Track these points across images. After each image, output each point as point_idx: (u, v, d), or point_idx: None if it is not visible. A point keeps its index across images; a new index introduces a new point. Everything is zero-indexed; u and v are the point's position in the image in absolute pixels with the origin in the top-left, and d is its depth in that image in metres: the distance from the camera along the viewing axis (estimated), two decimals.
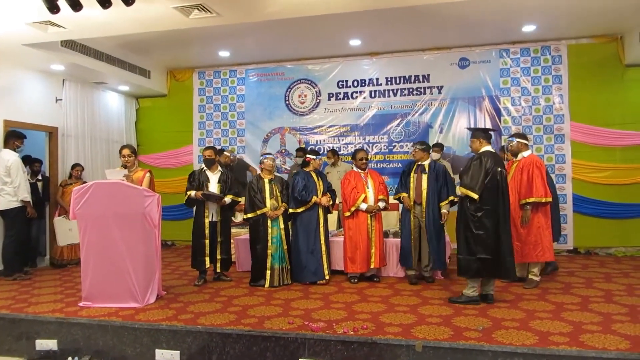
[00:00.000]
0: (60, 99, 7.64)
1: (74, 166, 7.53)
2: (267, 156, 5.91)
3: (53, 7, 4.33)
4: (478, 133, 4.93)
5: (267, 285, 5.62)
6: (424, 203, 5.59)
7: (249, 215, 5.74)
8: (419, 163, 5.74)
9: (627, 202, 7.34)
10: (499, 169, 4.66)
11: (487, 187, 4.60)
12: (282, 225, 5.77)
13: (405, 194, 5.70)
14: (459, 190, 4.75)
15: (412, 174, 5.73)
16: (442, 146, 7.48)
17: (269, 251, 5.67)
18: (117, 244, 4.83)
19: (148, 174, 5.41)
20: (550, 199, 5.31)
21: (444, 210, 5.60)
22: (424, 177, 5.64)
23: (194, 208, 5.99)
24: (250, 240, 5.84)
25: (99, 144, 8.42)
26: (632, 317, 4.16)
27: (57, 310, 4.82)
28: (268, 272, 5.66)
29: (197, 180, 5.85)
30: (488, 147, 4.84)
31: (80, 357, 4.32)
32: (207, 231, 5.80)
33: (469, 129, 5.28)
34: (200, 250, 5.82)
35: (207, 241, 5.80)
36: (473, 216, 4.62)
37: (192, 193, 5.78)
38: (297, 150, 7.99)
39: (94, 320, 4.46)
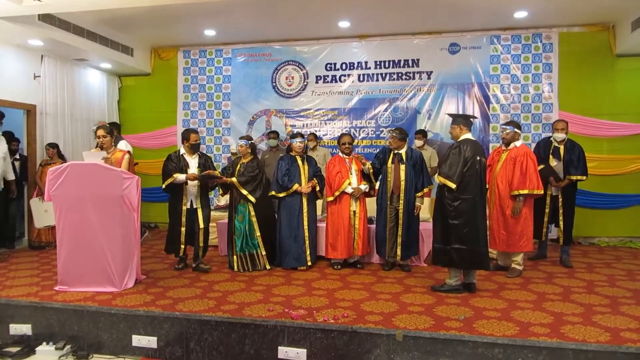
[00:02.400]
0: (39, 76, 7.39)
1: (47, 146, 7.30)
2: (240, 142, 5.77)
3: None
4: (459, 119, 4.81)
5: (235, 268, 5.61)
6: (402, 194, 5.51)
7: (227, 196, 5.84)
8: (396, 152, 5.63)
9: (612, 192, 7.35)
10: (479, 158, 4.59)
11: (465, 176, 4.53)
12: (252, 212, 5.63)
13: (369, 163, 5.68)
14: (437, 179, 4.68)
15: (389, 164, 5.61)
16: (425, 133, 7.34)
17: (234, 237, 5.63)
18: (94, 227, 4.71)
19: (127, 155, 5.26)
20: (541, 191, 5.29)
21: (417, 203, 5.55)
22: (402, 167, 5.54)
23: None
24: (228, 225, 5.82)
25: (80, 123, 8.20)
26: (612, 309, 4.16)
27: (33, 294, 4.70)
28: (235, 257, 5.63)
29: (176, 164, 5.55)
30: (468, 135, 4.75)
31: (55, 342, 4.22)
32: (184, 219, 5.55)
33: (450, 115, 5.17)
34: (176, 238, 5.61)
35: (183, 229, 5.56)
36: (450, 205, 4.56)
37: (182, 176, 5.42)
38: (269, 133, 7.83)
39: (69, 305, 4.36)
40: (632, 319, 3.87)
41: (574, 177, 5.80)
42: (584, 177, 5.85)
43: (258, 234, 5.64)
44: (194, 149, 5.63)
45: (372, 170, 5.68)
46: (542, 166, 5.71)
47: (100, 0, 5.42)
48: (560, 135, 5.89)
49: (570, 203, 5.94)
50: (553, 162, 5.85)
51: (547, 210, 5.88)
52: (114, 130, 6.77)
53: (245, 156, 5.76)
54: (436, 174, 4.80)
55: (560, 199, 5.87)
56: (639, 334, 3.53)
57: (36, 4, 5.37)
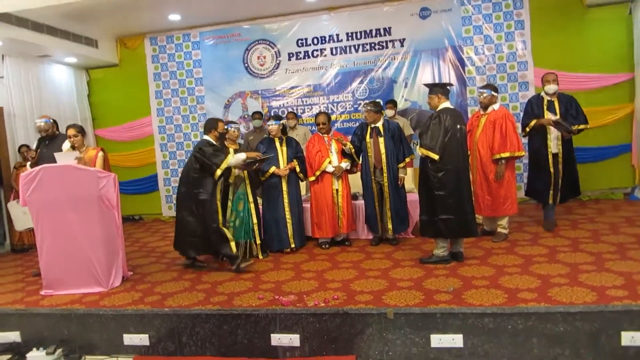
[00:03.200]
0: (2, 77, 7.12)
1: (20, 148, 7.12)
2: (232, 126, 5.56)
3: None
4: (436, 89, 4.75)
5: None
6: (384, 167, 5.48)
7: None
8: (373, 125, 5.57)
9: (591, 145, 7.36)
10: (459, 126, 4.55)
11: (447, 146, 4.50)
12: (250, 199, 5.50)
13: (350, 142, 5.58)
14: (419, 151, 4.64)
15: (367, 138, 5.55)
16: (395, 103, 7.29)
17: (229, 224, 5.45)
18: (73, 229, 4.62)
19: (101, 153, 5.13)
20: (523, 153, 5.28)
21: (400, 175, 5.52)
22: (381, 140, 5.50)
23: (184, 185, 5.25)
24: None
25: None
26: (597, 266, 4.21)
27: (18, 300, 4.65)
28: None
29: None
30: (447, 104, 4.70)
31: (45, 347, 4.17)
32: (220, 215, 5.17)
33: (426, 85, 5.10)
34: (223, 235, 5.07)
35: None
36: (434, 177, 4.54)
37: (242, 156, 5.05)
38: (254, 113, 7.66)
39: (57, 310, 4.32)
40: (617, 275, 3.92)
41: (577, 127, 5.49)
42: (588, 125, 5.59)
43: (255, 220, 5.51)
44: (221, 139, 5.29)
45: (353, 150, 5.61)
46: (556, 118, 5.44)
47: None
48: (552, 87, 5.57)
49: (572, 158, 5.68)
50: (550, 117, 5.51)
51: (552, 170, 5.55)
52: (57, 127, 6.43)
53: (234, 142, 5.58)
54: (417, 146, 4.74)
55: (561, 156, 5.57)
56: (624, 290, 3.58)
57: None
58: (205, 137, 5.19)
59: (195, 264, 5.34)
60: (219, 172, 4.94)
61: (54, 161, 4.90)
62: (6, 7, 5.69)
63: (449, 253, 4.74)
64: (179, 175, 8.37)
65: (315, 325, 3.76)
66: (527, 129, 5.64)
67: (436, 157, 4.49)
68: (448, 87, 4.86)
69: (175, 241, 5.34)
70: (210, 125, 5.23)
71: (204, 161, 4.97)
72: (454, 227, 4.57)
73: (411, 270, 4.60)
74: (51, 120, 5.81)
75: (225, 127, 5.49)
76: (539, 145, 5.62)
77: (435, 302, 3.71)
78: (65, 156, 4.86)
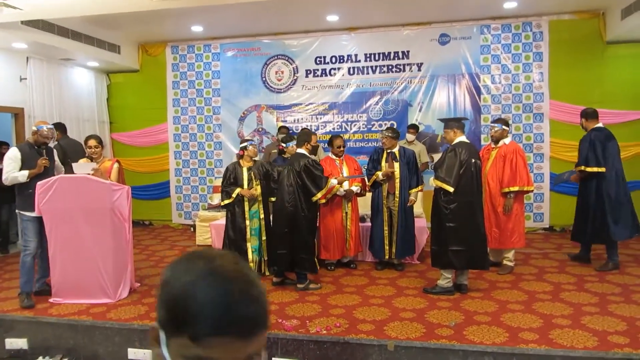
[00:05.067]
0: (25, 78, 7.27)
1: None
2: (248, 144, 5.59)
3: None
4: (451, 123, 4.86)
5: None
6: (397, 192, 5.54)
7: (226, 202, 5.50)
8: (389, 151, 5.63)
9: None
10: (474, 160, 4.61)
11: (461, 179, 4.55)
12: (262, 216, 5.54)
13: (379, 172, 5.56)
14: (434, 183, 4.69)
15: (382, 163, 5.61)
16: (417, 127, 7.37)
17: (248, 244, 5.44)
18: (85, 239, 4.71)
19: (116, 164, 5.23)
20: (532, 188, 5.33)
21: (412, 197, 5.57)
22: (397, 166, 5.57)
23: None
24: (226, 230, 5.61)
25: (69, 123, 8.01)
26: (600, 309, 4.22)
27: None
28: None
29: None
30: (462, 137, 4.77)
31: (51, 356, 4.26)
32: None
33: (442, 120, 5.19)
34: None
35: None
36: (446, 208, 4.59)
37: (336, 182, 5.33)
38: (280, 128, 7.68)
39: (64, 320, 4.39)
40: (619, 320, 3.93)
41: (580, 168, 5.44)
42: (584, 167, 5.38)
43: (264, 237, 5.53)
44: (313, 152, 5.42)
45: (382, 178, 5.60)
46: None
47: (79, 7, 5.33)
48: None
49: (594, 197, 5.44)
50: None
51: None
52: (59, 132, 6.38)
53: (249, 160, 5.60)
54: (432, 178, 4.80)
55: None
56: (626, 337, 3.59)
57: (17, 12, 5.27)
58: (301, 150, 5.20)
59: (285, 281, 5.25)
60: (319, 195, 5.02)
61: (47, 175, 4.86)
62: (35, 15, 5.82)
63: (453, 284, 4.77)
64: (191, 183, 8.74)
65: (316, 352, 3.81)
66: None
67: (451, 189, 4.55)
68: (463, 122, 4.94)
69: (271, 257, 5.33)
70: (305, 137, 5.28)
71: (306, 182, 4.98)
72: (463, 259, 4.60)
73: (414, 299, 4.63)
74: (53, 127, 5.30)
75: (242, 145, 5.61)
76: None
77: (437, 336, 3.74)
78: (83, 167, 4.95)
